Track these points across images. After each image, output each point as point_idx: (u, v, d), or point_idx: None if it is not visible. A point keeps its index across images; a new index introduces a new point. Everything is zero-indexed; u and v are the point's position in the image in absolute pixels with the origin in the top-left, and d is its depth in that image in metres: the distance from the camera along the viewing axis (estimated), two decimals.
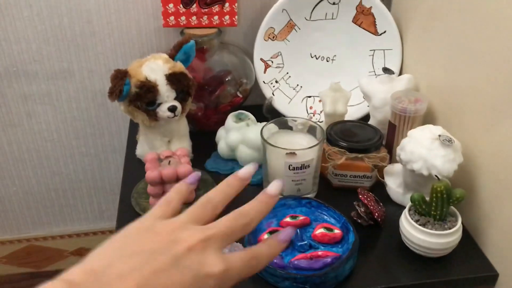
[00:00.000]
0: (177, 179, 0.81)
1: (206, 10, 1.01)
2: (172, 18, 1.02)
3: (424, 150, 0.74)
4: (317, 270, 0.67)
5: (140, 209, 0.84)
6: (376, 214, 0.76)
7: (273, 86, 1.07)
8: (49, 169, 1.25)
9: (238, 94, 1.03)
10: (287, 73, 1.08)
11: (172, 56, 0.89)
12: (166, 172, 0.80)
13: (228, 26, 1.05)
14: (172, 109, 0.87)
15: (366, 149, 0.83)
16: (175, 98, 0.87)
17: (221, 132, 0.96)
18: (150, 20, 1.07)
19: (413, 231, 0.70)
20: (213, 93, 1.00)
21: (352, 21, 1.04)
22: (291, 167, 0.80)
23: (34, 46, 1.07)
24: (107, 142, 1.22)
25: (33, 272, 1.41)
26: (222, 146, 0.95)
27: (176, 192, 0.43)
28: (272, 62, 1.06)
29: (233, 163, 0.95)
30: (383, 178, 0.85)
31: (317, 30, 1.05)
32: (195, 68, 0.99)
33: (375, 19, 1.02)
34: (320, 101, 1.01)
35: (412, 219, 0.71)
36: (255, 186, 0.90)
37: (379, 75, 1.04)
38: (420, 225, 0.70)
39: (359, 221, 0.78)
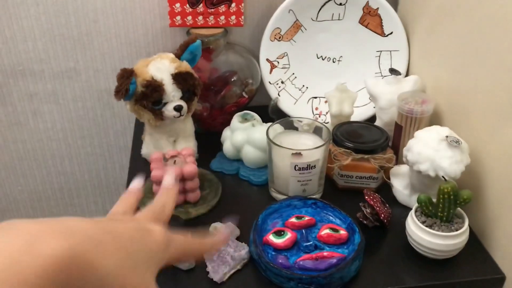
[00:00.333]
0: (183, 178, 0.81)
1: (212, 10, 1.01)
2: (178, 17, 1.02)
3: (431, 151, 0.73)
4: (323, 271, 0.67)
5: None
6: (382, 215, 0.76)
7: (279, 87, 1.07)
8: (54, 168, 1.25)
9: (244, 94, 1.03)
10: (293, 73, 1.08)
11: (178, 56, 0.89)
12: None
13: (234, 26, 1.05)
14: (178, 108, 0.86)
15: (372, 150, 0.83)
16: (181, 98, 0.87)
17: (226, 132, 0.96)
18: (157, 20, 1.07)
19: (420, 233, 0.70)
20: (219, 93, 1.00)
21: (359, 22, 1.04)
22: (296, 168, 0.79)
23: (40, 45, 1.07)
24: (113, 141, 1.22)
25: None
26: (228, 146, 0.94)
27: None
28: (278, 62, 1.06)
29: (238, 163, 0.95)
30: (389, 179, 0.85)
31: (324, 31, 1.05)
32: (201, 68, 0.99)
33: (381, 20, 1.02)
34: (326, 102, 1.01)
35: (418, 220, 0.71)
36: (260, 187, 0.90)
37: (385, 76, 1.03)
38: (426, 226, 0.70)
39: (365, 222, 0.78)
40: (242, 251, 0.72)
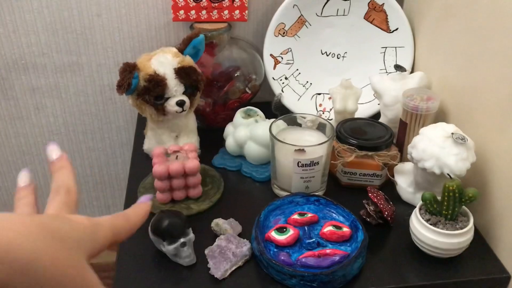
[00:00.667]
0: (185, 174, 0.81)
1: (216, 4, 1.01)
2: (181, 12, 1.01)
3: (436, 148, 0.73)
4: (325, 268, 0.66)
5: None
6: (386, 212, 0.75)
7: (283, 83, 1.06)
8: None
9: (247, 90, 1.02)
10: (297, 69, 1.07)
11: (181, 50, 0.89)
12: (173, 167, 0.79)
13: (238, 21, 1.04)
14: (181, 103, 0.86)
15: (376, 147, 0.82)
16: (184, 93, 0.87)
17: (229, 128, 0.95)
18: (160, 14, 1.06)
19: (424, 231, 0.69)
20: (222, 89, 0.99)
21: (364, 18, 1.03)
22: (299, 164, 0.79)
23: (43, 39, 1.06)
24: (115, 136, 1.22)
25: None
26: (230, 142, 0.94)
27: None
28: (282, 58, 1.05)
29: (241, 159, 0.94)
30: (393, 176, 0.84)
31: (328, 27, 1.04)
32: (204, 63, 0.99)
33: (387, 16, 1.01)
34: (330, 98, 1.01)
35: (422, 218, 0.70)
36: (263, 183, 0.89)
37: (390, 72, 1.03)
38: (431, 224, 0.69)
39: (368, 219, 0.77)
40: (244, 247, 0.71)
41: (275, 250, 0.70)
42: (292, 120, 0.87)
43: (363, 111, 1.01)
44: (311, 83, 1.08)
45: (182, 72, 0.85)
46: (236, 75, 1.01)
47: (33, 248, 0.29)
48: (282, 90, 1.06)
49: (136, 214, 0.41)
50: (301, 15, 1.02)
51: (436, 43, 0.93)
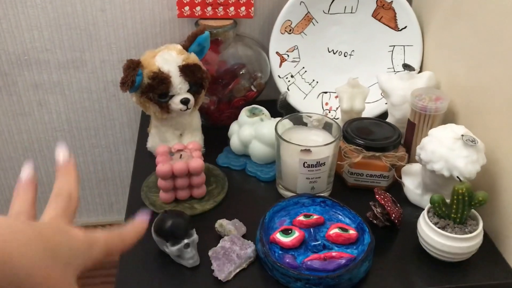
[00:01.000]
0: (188, 173, 0.80)
1: (222, 1, 0.99)
2: (187, 8, 0.99)
3: (445, 150, 0.71)
4: (331, 271, 0.66)
5: (150, 203, 0.82)
6: (393, 215, 0.74)
7: (288, 81, 1.05)
8: None
9: (252, 88, 1.01)
10: (303, 67, 1.06)
11: (186, 47, 0.88)
12: (177, 166, 0.79)
13: (244, 18, 1.03)
14: (185, 101, 0.85)
15: (383, 147, 0.81)
16: (188, 91, 0.86)
17: (234, 127, 0.94)
18: (165, 10, 1.05)
19: (432, 234, 0.68)
20: (227, 87, 0.98)
21: (372, 16, 1.01)
22: (305, 165, 0.77)
23: (46, 34, 1.05)
24: (118, 133, 1.21)
25: None
26: (235, 141, 0.93)
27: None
28: (288, 56, 1.04)
29: (246, 158, 0.93)
30: (401, 178, 0.83)
31: (336, 24, 1.03)
32: (209, 60, 0.98)
33: (395, 13, 0.99)
34: (336, 97, 1.00)
35: (431, 221, 0.69)
36: (267, 183, 0.88)
37: (398, 71, 1.01)
38: (439, 228, 0.68)
39: (375, 222, 0.76)
40: (248, 249, 0.70)
41: (280, 252, 0.69)
42: (298, 119, 0.86)
43: (370, 110, 1.00)
44: (317, 82, 1.07)
45: (186, 70, 0.84)
46: (241, 72, 1.00)
47: (31, 263, 0.30)
48: (287, 88, 1.05)
49: (132, 233, 0.41)
50: (308, 12, 1.01)
51: (445, 41, 0.91)
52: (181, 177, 0.80)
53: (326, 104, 1.07)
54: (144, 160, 0.94)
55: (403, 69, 0.92)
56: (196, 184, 0.81)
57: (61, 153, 0.42)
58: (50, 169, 1.25)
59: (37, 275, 0.30)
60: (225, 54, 1.01)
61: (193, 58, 0.87)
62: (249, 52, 1.03)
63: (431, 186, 0.78)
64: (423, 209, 0.72)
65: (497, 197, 0.74)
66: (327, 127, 0.84)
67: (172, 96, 0.85)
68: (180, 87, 0.84)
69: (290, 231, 0.71)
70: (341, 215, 0.76)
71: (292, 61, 1.05)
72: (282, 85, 1.05)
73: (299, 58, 1.05)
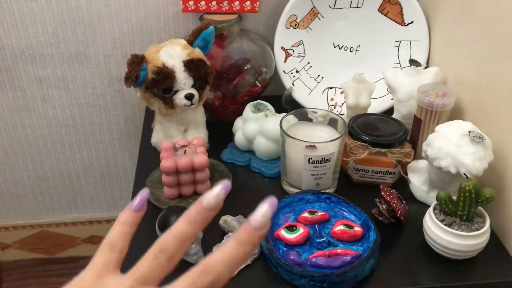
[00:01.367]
0: (193, 169, 0.79)
1: None
2: (191, 3, 0.99)
3: (452, 146, 0.71)
4: (336, 268, 0.65)
5: (154, 199, 0.82)
6: (399, 212, 0.73)
7: (294, 76, 1.04)
8: (63, 155, 1.23)
9: (257, 83, 1.00)
10: (309, 62, 1.05)
11: (191, 42, 0.87)
12: (181, 162, 0.78)
13: (248, 12, 1.02)
14: (189, 97, 0.84)
15: (389, 144, 0.80)
16: (193, 86, 0.85)
17: (238, 122, 0.94)
18: (169, 5, 1.04)
19: (438, 231, 0.67)
20: (231, 82, 0.98)
21: (378, 10, 1.00)
22: (310, 161, 0.77)
23: (50, 29, 1.05)
24: (123, 129, 1.20)
25: (45, 258, 1.41)
26: (239, 136, 0.92)
27: (118, 230, 0.34)
28: (293, 51, 1.03)
29: (250, 154, 0.92)
30: (407, 174, 0.82)
31: (341, 19, 1.02)
32: (214, 55, 0.97)
33: (402, 8, 0.98)
34: (342, 92, 0.99)
35: (437, 218, 0.68)
36: (272, 179, 0.87)
37: (404, 67, 1.00)
38: (445, 225, 0.67)
39: (381, 218, 0.75)
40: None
41: (284, 249, 0.69)
42: (303, 115, 0.85)
43: (376, 106, 0.99)
44: (322, 77, 1.06)
45: (191, 65, 0.84)
46: (246, 68, 0.99)
47: None
48: (293, 84, 1.04)
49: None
50: (314, 6, 1.00)
51: (453, 37, 0.90)
52: (185, 172, 0.79)
53: (332, 99, 1.06)
54: (148, 156, 0.94)
55: (409, 65, 0.91)
56: (201, 180, 0.81)
57: (262, 219, 0.33)
58: (55, 165, 1.25)
59: None
60: (230, 49, 1.00)
61: (197, 53, 0.86)
62: (254, 47, 1.02)
63: (438, 183, 0.77)
64: (429, 206, 0.71)
65: (504, 194, 0.73)
66: (332, 123, 0.83)
67: (177, 91, 0.84)
68: (184, 82, 0.84)
69: (294, 228, 0.70)
70: (346, 212, 0.75)
71: (297, 56, 1.04)
72: (287, 81, 1.04)
73: (304, 53, 1.04)
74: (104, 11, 1.04)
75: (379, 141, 0.80)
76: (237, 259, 0.31)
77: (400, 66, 1.02)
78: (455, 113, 0.86)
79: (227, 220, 0.74)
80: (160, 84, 0.82)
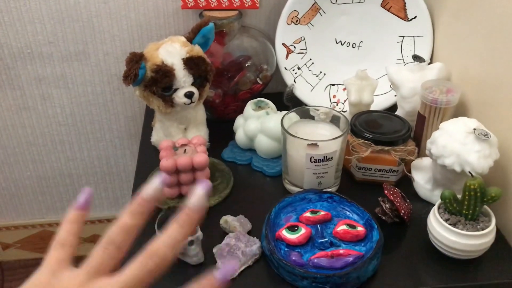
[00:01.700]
0: (193, 168, 0.78)
1: None
2: None
3: (457, 144, 0.70)
4: (338, 269, 0.64)
5: None
6: (402, 211, 0.72)
7: (295, 73, 1.03)
8: (63, 154, 1.23)
9: (258, 80, 0.99)
10: (310, 59, 1.04)
11: (190, 39, 0.86)
12: (181, 161, 0.77)
13: (249, 9, 1.01)
14: (189, 95, 0.83)
15: (393, 141, 0.79)
16: (193, 84, 0.84)
17: (239, 121, 0.93)
18: (168, 2, 1.03)
19: (442, 231, 0.66)
20: (232, 79, 0.97)
21: (381, 5, 0.99)
22: (312, 159, 0.76)
23: (49, 27, 1.04)
24: (123, 127, 1.20)
25: None
26: (240, 135, 0.91)
27: (66, 229, 0.36)
28: (295, 47, 1.02)
29: (251, 153, 0.92)
30: (410, 173, 0.81)
31: (343, 14, 1.00)
32: (214, 52, 0.96)
33: (405, 3, 0.97)
34: (344, 89, 0.98)
35: (441, 218, 0.67)
36: (273, 178, 0.86)
37: (408, 63, 0.99)
38: (450, 224, 0.66)
39: (384, 218, 0.74)
40: (254, 246, 0.69)
41: (286, 249, 0.68)
42: (304, 112, 0.84)
43: (379, 103, 0.98)
44: (324, 74, 1.05)
45: (190, 62, 0.83)
46: (247, 65, 0.98)
47: None
48: (294, 81, 1.03)
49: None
50: (315, 2, 0.98)
51: (457, 32, 0.89)
52: (185, 172, 0.78)
53: (334, 96, 1.05)
54: (149, 155, 0.93)
55: (413, 61, 0.90)
56: (200, 180, 0.80)
57: (197, 198, 0.35)
58: (55, 164, 1.24)
59: None
60: (230, 46, 0.99)
61: (197, 50, 0.85)
62: (254, 43, 1.01)
63: (442, 181, 0.76)
64: (433, 205, 0.70)
65: (510, 192, 0.72)
66: (334, 120, 0.82)
67: (176, 89, 0.83)
68: (184, 80, 0.83)
69: (296, 228, 0.69)
70: (348, 211, 0.74)
71: (299, 53, 1.03)
72: (288, 78, 1.03)
73: (306, 49, 1.03)
74: (103, 8, 1.03)
75: (382, 138, 0.79)
76: (179, 240, 0.34)
77: (404, 62, 1.01)
78: (460, 110, 0.84)
79: (228, 220, 0.73)
80: (159, 82, 0.81)
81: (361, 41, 1.03)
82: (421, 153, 0.84)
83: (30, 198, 1.29)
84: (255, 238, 0.71)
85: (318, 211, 0.73)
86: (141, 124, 1.06)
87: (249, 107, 0.92)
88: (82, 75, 1.11)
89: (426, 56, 0.97)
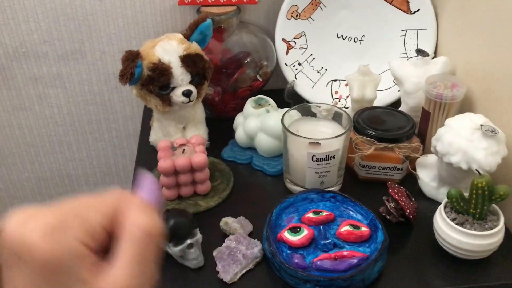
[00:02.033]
0: (192, 169, 0.76)
1: None
2: None
3: (463, 141, 0.68)
4: (342, 272, 0.63)
5: None
6: (408, 210, 0.70)
7: (296, 69, 1.02)
8: (61, 155, 1.21)
9: (258, 77, 0.98)
10: (311, 54, 1.02)
11: (188, 36, 0.84)
12: (179, 162, 0.75)
13: (248, 4, 1.00)
14: (187, 93, 0.82)
15: (396, 138, 0.78)
16: (190, 82, 0.83)
17: (239, 119, 0.91)
18: None
19: (449, 231, 0.65)
20: (231, 77, 0.95)
21: None
22: (314, 158, 0.74)
23: (44, 26, 1.02)
24: (121, 127, 1.18)
25: None
26: (240, 133, 0.89)
27: None
28: (295, 42, 1.01)
29: (252, 152, 0.90)
30: (415, 170, 0.80)
31: (345, 8, 0.99)
32: (212, 49, 0.94)
33: None
34: (346, 85, 0.96)
35: (448, 217, 0.65)
36: (275, 177, 0.85)
37: (411, 57, 0.98)
38: (457, 224, 0.65)
39: (388, 217, 0.72)
40: (255, 248, 0.68)
41: (288, 251, 0.66)
42: (306, 109, 0.82)
43: (382, 98, 0.96)
44: (326, 69, 1.03)
45: (188, 60, 0.81)
46: (246, 61, 0.96)
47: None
48: (295, 77, 1.01)
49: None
50: None
51: (462, 24, 0.87)
52: (184, 173, 0.77)
53: (336, 92, 1.03)
54: (147, 155, 0.92)
55: (416, 55, 0.89)
56: (200, 180, 0.78)
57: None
58: (54, 165, 1.23)
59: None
60: (229, 42, 0.97)
61: (194, 47, 0.83)
62: (254, 39, 0.99)
63: (448, 179, 0.74)
64: (439, 203, 0.69)
65: None
66: (336, 117, 0.81)
67: (174, 88, 0.82)
68: (181, 79, 0.81)
69: (298, 229, 0.67)
70: (352, 211, 0.72)
71: (299, 48, 1.01)
72: (289, 74, 1.01)
73: (307, 44, 1.01)
74: (98, 6, 1.01)
75: (386, 135, 0.78)
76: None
77: (407, 56, 0.99)
78: (466, 105, 0.83)
79: (228, 222, 0.72)
80: (156, 81, 0.80)
81: (363, 36, 1.01)
82: (426, 150, 0.83)
83: (29, 199, 1.28)
84: (256, 240, 0.69)
85: (320, 212, 0.71)
86: (140, 123, 1.05)
87: (249, 104, 0.90)
88: (79, 74, 1.09)
89: (430, 50, 0.95)
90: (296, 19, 0.99)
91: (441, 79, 0.81)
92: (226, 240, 0.69)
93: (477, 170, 0.66)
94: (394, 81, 0.93)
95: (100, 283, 0.27)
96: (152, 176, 0.33)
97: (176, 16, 1.03)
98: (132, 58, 0.78)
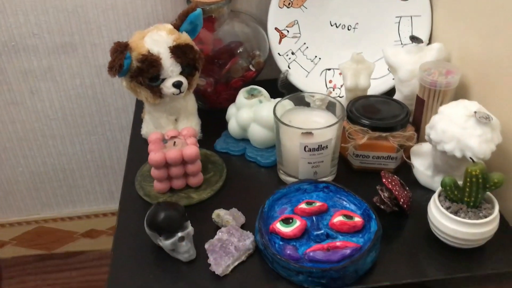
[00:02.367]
0: (183, 161, 0.76)
1: None
2: None
3: (457, 129, 0.67)
4: (335, 263, 0.62)
5: (144, 194, 0.78)
6: (402, 199, 0.70)
7: (289, 58, 1.01)
8: (54, 149, 1.20)
9: (251, 67, 0.97)
10: (304, 43, 1.01)
11: (177, 27, 0.84)
12: (170, 154, 0.75)
13: None
14: (177, 85, 0.81)
15: (391, 127, 0.77)
16: (181, 73, 0.82)
17: (231, 110, 0.90)
18: None
19: (443, 220, 0.64)
20: (223, 67, 0.94)
21: None
22: (306, 149, 0.73)
23: (33, 18, 1.01)
24: (114, 120, 1.17)
25: (43, 254, 1.40)
26: (233, 125, 0.89)
27: None
28: (288, 31, 1.00)
29: (245, 143, 0.89)
30: (410, 159, 0.79)
31: None
32: (203, 39, 0.93)
33: None
34: (340, 74, 0.95)
35: (442, 206, 0.65)
36: (268, 168, 0.84)
37: (405, 44, 0.97)
38: (451, 213, 0.64)
39: (382, 207, 0.72)
40: (247, 240, 0.67)
41: (280, 243, 0.66)
42: (299, 99, 0.81)
43: (376, 87, 0.95)
44: (320, 58, 1.02)
45: (178, 51, 0.80)
46: (238, 51, 0.95)
47: None
48: (288, 67, 1.01)
49: None
50: None
51: (456, 10, 0.86)
52: (175, 165, 0.76)
53: (330, 81, 1.02)
54: (139, 148, 0.91)
55: (410, 42, 0.88)
56: (192, 173, 0.77)
57: None
58: (47, 159, 1.22)
59: None
60: (221, 32, 0.96)
61: (184, 38, 0.82)
62: (246, 29, 0.98)
63: (442, 167, 0.74)
64: (434, 192, 0.68)
65: None
66: (330, 107, 0.80)
67: (164, 79, 0.81)
68: (171, 70, 0.80)
69: (291, 220, 0.67)
70: (345, 201, 0.72)
71: (292, 37, 1.00)
72: (282, 63, 1.00)
73: (300, 33, 1.00)
74: None
75: (380, 124, 0.77)
76: None
77: (401, 44, 0.98)
78: (460, 92, 0.82)
79: (220, 214, 0.71)
80: (146, 72, 0.79)
81: (357, 23, 0.99)
82: (420, 138, 0.82)
83: (24, 194, 1.28)
84: (248, 232, 0.69)
85: (313, 202, 0.70)
86: (132, 116, 1.04)
87: (241, 95, 0.89)
88: (70, 68, 1.08)
89: (424, 36, 0.94)
90: (289, 7, 0.98)
91: (435, 66, 0.81)
92: (218, 232, 0.68)
93: (471, 158, 0.66)
94: (388, 69, 0.92)
95: None
96: None
97: (167, 6, 1.02)
98: (121, 50, 0.77)
